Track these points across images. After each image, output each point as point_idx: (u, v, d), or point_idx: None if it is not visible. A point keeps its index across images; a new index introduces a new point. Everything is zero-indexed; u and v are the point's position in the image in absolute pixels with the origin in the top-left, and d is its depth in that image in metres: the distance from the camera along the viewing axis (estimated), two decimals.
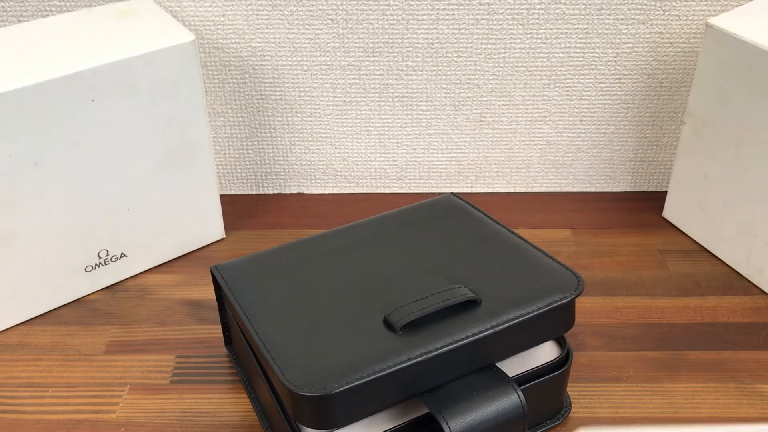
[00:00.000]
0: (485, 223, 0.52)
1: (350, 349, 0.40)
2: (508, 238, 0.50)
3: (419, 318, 0.42)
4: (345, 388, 0.38)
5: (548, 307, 0.43)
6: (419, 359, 0.40)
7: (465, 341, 0.41)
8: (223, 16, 0.65)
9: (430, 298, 0.43)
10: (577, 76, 0.68)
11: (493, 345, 0.42)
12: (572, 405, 0.51)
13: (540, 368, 0.45)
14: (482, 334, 0.41)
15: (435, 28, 0.66)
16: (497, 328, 0.42)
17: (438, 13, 0.65)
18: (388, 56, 0.67)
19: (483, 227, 0.51)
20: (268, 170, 0.74)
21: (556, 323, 0.44)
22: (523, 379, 0.44)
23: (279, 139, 0.72)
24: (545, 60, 0.67)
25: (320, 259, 0.49)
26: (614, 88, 0.69)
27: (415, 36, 0.66)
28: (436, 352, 0.40)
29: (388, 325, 0.42)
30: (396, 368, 0.39)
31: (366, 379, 0.38)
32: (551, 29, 0.66)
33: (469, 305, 0.43)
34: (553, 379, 0.46)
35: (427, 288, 0.44)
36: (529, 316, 0.43)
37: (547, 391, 0.47)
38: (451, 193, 0.56)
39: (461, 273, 0.46)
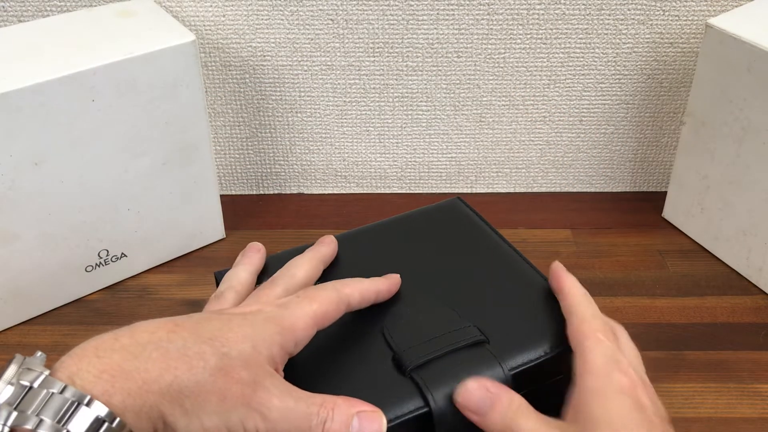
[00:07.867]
0: (492, 240, 0.51)
1: (358, 389, 0.40)
2: (514, 261, 0.49)
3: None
4: None
5: (555, 353, 0.43)
6: (425, 410, 0.40)
7: None
8: (224, 16, 0.65)
9: (440, 338, 0.43)
10: (576, 77, 0.68)
11: None
12: None
13: (537, 360, 0.45)
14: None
15: (435, 29, 0.66)
16: (504, 375, 0.42)
17: (438, 14, 0.65)
18: (388, 56, 0.67)
19: (489, 242, 0.51)
20: (268, 170, 0.74)
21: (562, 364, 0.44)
22: (523, 376, 0.44)
23: (279, 139, 0.72)
24: (545, 60, 0.67)
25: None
26: (614, 89, 0.69)
27: (415, 36, 0.66)
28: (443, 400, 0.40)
29: (398, 364, 0.42)
30: (405, 418, 0.40)
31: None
32: (551, 29, 0.66)
33: (476, 344, 0.43)
34: (557, 383, 0.46)
35: (436, 325, 0.44)
36: (536, 362, 0.43)
37: (552, 395, 0.46)
38: (457, 197, 0.55)
39: (466, 299, 0.46)
